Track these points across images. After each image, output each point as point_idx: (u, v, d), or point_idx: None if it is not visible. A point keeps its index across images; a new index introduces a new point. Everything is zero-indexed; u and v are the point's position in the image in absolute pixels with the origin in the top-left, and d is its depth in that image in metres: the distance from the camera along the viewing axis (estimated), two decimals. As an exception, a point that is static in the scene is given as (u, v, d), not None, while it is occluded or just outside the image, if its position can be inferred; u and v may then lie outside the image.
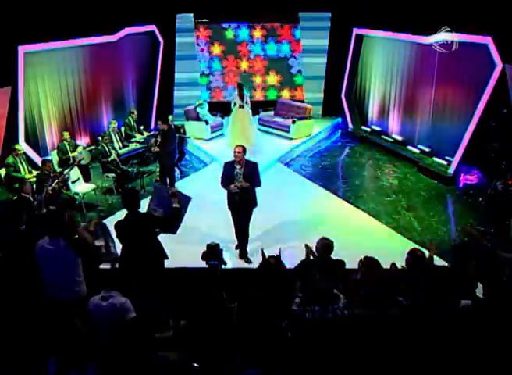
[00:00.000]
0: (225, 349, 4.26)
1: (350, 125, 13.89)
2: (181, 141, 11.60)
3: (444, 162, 10.80)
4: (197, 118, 13.03)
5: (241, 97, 11.80)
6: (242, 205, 7.15)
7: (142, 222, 5.43)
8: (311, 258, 5.26)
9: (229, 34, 14.43)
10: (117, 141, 11.11)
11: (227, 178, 7.05)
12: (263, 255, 5.22)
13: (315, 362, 4.18)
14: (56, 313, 4.76)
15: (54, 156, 10.31)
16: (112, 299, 4.27)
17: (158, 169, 10.37)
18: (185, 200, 5.90)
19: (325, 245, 5.23)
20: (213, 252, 5.30)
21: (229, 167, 7.08)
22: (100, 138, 10.91)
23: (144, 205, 5.92)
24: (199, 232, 7.92)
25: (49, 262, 4.81)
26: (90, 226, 5.51)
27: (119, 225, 5.46)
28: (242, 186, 6.92)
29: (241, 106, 11.82)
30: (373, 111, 13.49)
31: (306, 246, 5.34)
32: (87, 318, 4.45)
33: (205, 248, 5.57)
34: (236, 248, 7.60)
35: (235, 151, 6.95)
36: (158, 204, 5.87)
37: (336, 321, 4.12)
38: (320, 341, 4.14)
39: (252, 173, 6.99)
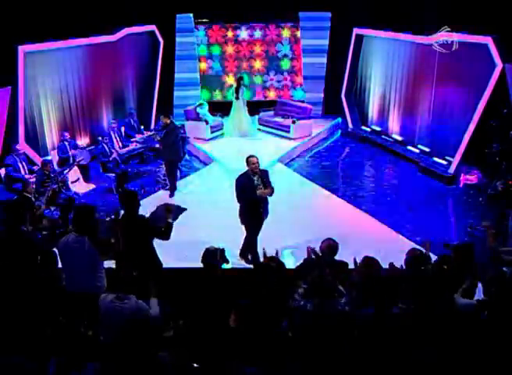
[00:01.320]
0: (224, 349, 4.25)
1: (350, 125, 13.89)
2: (182, 141, 11.61)
3: (444, 162, 10.80)
4: (197, 118, 13.03)
5: (237, 90, 12.87)
6: (261, 216, 7.01)
7: (139, 224, 5.44)
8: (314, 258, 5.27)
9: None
10: (117, 141, 11.11)
11: (246, 191, 6.76)
12: (265, 254, 5.22)
13: (314, 357, 4.18)
14: (73, 306, 4.83)
15: (54, 156, 10.30)
16: (129, 302, 4.26)
17: (162, 166, 10.43)
18: (179, 211, 5.91)
19: (331, 246, 5.23)
20: (212, 256, 5.29)
21: (244, 179, 6.79)
22: (100, 138, 10.91)
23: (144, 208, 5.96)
24: (199, 232, 7.90)
25: (73, 258, 4.89)
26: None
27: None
28: (267, 193, 6.79)
29: (236, 98, 12.88)
30: (373, 111, 13.48)
31: (309, 248, 5.32)
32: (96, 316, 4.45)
33: (204, 249, 5.57)
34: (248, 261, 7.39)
35: (253, 163, 6.72)
36: (154, 220, 5.85)
37: (336, 316, 4.12)
38: (319, 335, 4.14)
39: (268, 181, 6.85)
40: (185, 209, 6.03)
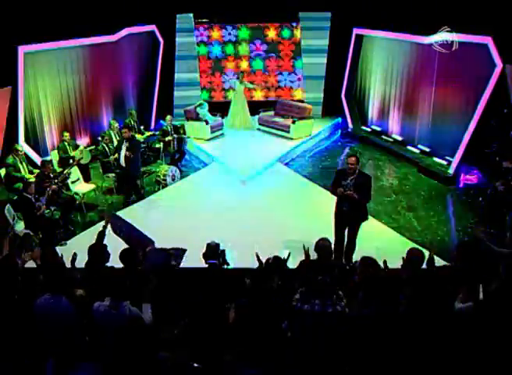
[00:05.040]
0: (221, 349, 4.25)
1: (350, 125, 13.89)
2: (180, 141, 11.63)
3: (444, 162, 10.81)
4: (197, 118, 13.04)
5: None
6: (349, 217, 6.83)
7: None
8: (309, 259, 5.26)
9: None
10: (117, 140, 11.09)
11: (337, 185, 6.73)
12: (258, 258, 5.22)
13: (313, 357, 4.18)
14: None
15: (54, 156, 10.30)
16: (123, 309, 4.22)
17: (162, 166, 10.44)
18: (180, 254, 5.76)
19: (325, 247, 5.24)
20: (213, 252, 5.30)
21: (341, 175, 6.76)
22: (100, 138, 10.91)
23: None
24: (199, 232, 7.89)
25: (49, 321, 4.41)
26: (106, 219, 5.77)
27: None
28: (349, 195, 6.60)
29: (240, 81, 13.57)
30: (373, 111, 13.49)
31: (304, 247, 5.33)
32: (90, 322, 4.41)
33: (205, 248, 5.56)
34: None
35: (349, 163, 6.64)
36: (152, 266, 5.56)
37: (335, 316, 4.12)
38: (317, 335, 4.14)
39: (363, 186, 6.62)
40: (185, 250, 5.81)
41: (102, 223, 5.90)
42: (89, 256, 5.19)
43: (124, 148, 9.18)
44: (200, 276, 5.21)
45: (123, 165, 9.23)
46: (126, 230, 5.93)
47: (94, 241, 5.45)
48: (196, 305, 4.76)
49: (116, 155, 9.39)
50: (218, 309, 4.76)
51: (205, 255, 5.38)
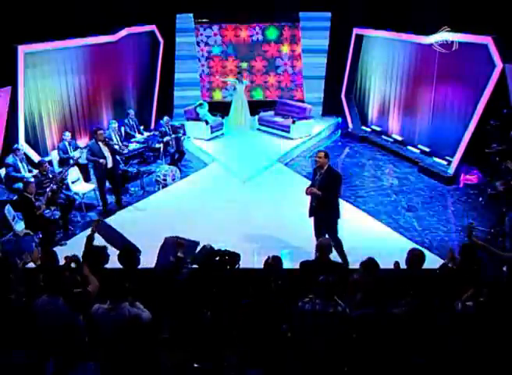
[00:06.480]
0: (225, 349, 4.25)
1: (350, 125, 13.89)
2: (178, 141, 11.61)
3: (444, 162, 10.81)
4: (197, 118, 13.04)
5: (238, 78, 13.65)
6: (319, 214, 6.87)
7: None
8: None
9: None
10: (117, 141, 11.10)
11: (312, 183, 6.85)
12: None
13: (313, 357, 4.18)
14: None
15: (54, 156, 10.30)
16: (122, 310, 4.20)
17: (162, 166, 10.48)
18: (192, 245, 5.61)
19: (325, 246, 5.25)
20: (204, 255, 5.28)
21: (314, 171, 6.85)
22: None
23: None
24: (198, 233, 7.88)
25: (48, 321, 4.42)
26: (92, 226, 5.59)
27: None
28: (312, 193, 6.64)
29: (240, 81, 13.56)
30: (373, 111, 13.49)
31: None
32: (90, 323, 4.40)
33: (202, 246, 5.53)
34: None
35: (316, 156, 6.71)
36: (163, 256, 5.55)
37: (336, 316, 4.13)
38: (318, 335, 4.15)
39: (328, 183, 6.60)
40: (197, 243, 5.68)
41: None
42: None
43: (107, 150, 9.04)
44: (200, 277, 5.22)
45: (111, 165, 9.13)
46: (114, 238, 5.87)
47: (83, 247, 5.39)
48: (196, 306, 4.75)
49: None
50: (218, 310, 4.76)
51: (195, 257, 5.37)
